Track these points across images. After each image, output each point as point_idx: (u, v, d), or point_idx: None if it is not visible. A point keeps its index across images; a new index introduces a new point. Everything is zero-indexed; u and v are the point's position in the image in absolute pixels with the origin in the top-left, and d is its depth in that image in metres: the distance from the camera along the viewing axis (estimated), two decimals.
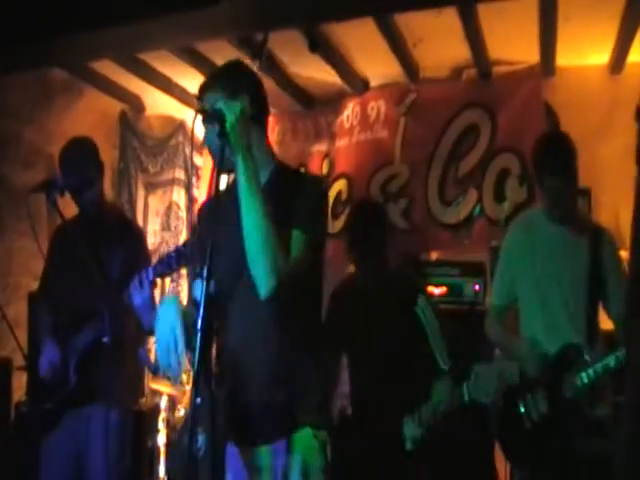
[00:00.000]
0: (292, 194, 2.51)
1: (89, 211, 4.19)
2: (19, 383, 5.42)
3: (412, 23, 4.78)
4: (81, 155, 4.18)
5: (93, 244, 4.06)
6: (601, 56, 5.24)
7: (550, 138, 3.95)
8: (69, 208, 4.18)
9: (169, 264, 2.92)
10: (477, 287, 5.03)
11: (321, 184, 2.85)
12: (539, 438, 3.52)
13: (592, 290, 3.63)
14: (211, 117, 2.40)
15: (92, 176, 4.17)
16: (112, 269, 4.02)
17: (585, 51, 5.22)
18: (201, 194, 6.49)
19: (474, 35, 4.77)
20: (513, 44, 5.04)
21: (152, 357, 6.15)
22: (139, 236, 4.36)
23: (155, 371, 3.94)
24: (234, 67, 2.71)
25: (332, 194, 5.98)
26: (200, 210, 2.96)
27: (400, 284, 3.97)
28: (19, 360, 4.80)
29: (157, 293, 4.84)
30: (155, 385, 5.34)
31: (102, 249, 4.07)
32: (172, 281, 6.54)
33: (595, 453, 3.41)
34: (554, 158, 3.69)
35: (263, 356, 2.48)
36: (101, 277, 3.84)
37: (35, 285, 5.44)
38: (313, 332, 2.64)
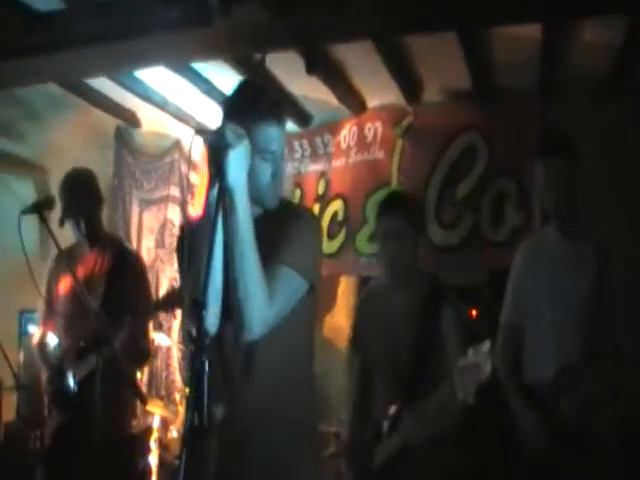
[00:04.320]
0: (289, 231, 2.42)
1: (87, 242, 4.24)
2: (9, 403, 5.36)
3: (411, 45, 4.74)
4: (79, 188, 4.25)
5: (92, 275, 4.11)
6: None
7: (542, 146, 3.76)
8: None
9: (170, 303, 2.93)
10: (474, 312, 4.99)
11: (319, 226, 2.77)
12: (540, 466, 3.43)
13: (597, 310, 3.46)
14: (214, 149, 2.17)
15: (89, 209, 4.23)
16: (111, 299, 4.04)
17: None
18: (196, 211, 6.45)
19: (474, 58, 4.73)
20: (512, 68, 4.99)
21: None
22: (138, 266, 4.38)
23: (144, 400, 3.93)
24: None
25: (328, 214, 5.97)
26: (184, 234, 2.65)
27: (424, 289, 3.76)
28: (9, 380, 4.75)
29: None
30: (147, 406, 5.28)
31: (100, 280, 4.10)
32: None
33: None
34: (544, 169, 3.58)
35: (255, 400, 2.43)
36: (97, 308, 3.85)
37: (25, 304, 5.43)
38: (305, 376, 2.59)
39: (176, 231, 6.67)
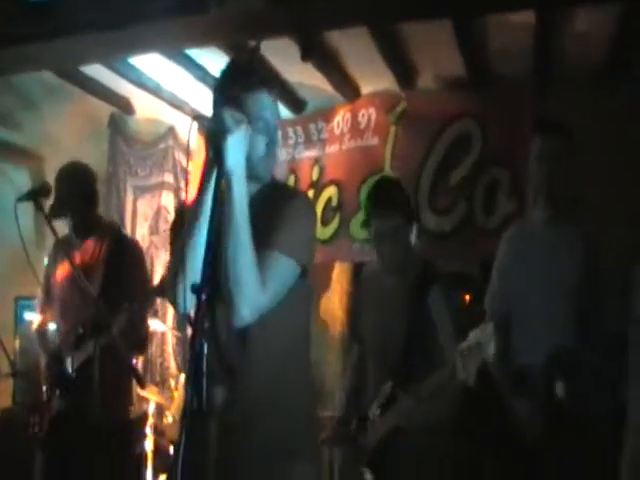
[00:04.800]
0: (282, 213, 2.40)
1: (79, 235, 4.30)
2: (5, 389, 5.38)
3: (406, 32, 4.75)
4: (69, 186, 4.26)
5: (90, 262, 4.14)
6: None
7: (541, 121, 3.84)
8: None
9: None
10: (467, 298, 5.01)
11: (313, 207, 2.78)
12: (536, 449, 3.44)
13: (586, 301, 3.45)
14: (212, 134, 2.19)
15: (77, 208, 4.28)
16: (109, 286, 4.07)
17: None
18: (190, 198, 6.43)
19: (468, 45, 4.75)
20: (507, 54, 5.00)
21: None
22: (135, 253, 4.42)
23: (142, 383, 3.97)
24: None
25: (322, 200, 5.98)
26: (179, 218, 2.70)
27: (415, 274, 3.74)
28: (5, 367, 4.77)
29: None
30: (143, 392, 5.31)
31: (98, 267, 4.13)
32: None
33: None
34: (540, 143, 3.62)
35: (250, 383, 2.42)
36: (96, 295, 3.87)
37: (22, 292, 5.44)
38: (302, 363, 2.59)
39: (170, 218, 6.67)
